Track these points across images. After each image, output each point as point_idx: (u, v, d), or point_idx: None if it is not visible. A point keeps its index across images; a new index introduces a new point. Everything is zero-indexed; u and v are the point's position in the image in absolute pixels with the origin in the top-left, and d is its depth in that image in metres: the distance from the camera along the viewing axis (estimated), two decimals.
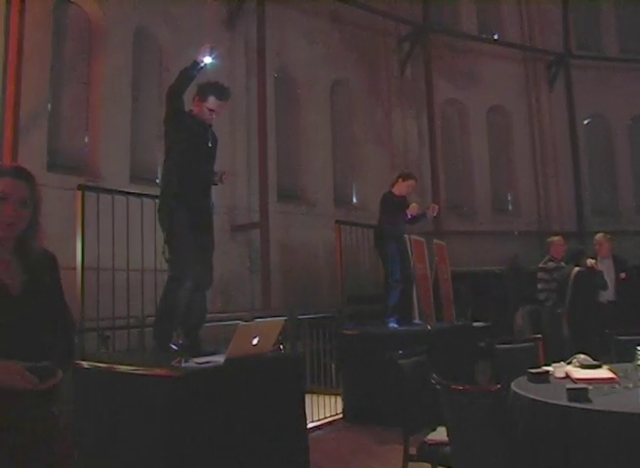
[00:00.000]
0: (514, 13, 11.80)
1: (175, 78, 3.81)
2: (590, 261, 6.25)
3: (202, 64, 3.75)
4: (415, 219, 6.17)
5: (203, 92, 3.86)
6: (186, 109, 3.86)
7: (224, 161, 5.67)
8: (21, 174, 1.83)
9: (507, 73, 11.44)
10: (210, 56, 3.77)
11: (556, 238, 6.75)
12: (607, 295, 6.43)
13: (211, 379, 3.14)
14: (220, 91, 3.90)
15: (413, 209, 5.97)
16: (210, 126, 3.93)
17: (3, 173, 1.82)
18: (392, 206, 6.07)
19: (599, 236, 6.72)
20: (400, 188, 6.15)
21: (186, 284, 3.64)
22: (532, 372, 2.95)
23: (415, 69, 10.58)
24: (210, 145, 3.91)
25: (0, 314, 1.73)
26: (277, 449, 3.39)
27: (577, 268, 6.25)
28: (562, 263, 6.47)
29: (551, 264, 6.50)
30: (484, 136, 11.32)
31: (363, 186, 9.87)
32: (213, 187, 3.95)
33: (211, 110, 3.85)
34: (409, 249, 6.55)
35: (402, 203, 6.13)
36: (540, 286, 6.52)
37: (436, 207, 6.48)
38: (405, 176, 6.23)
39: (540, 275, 6.55)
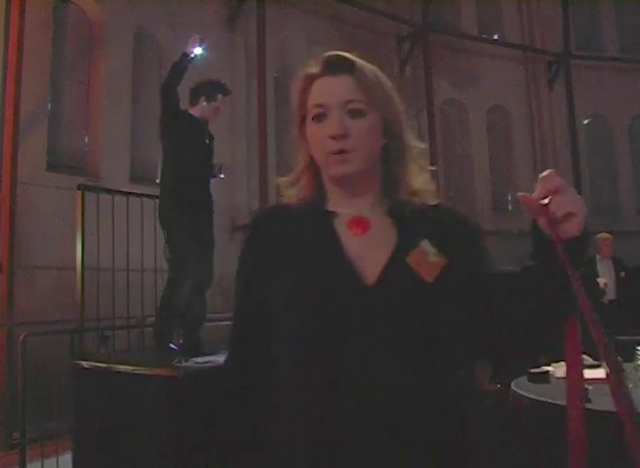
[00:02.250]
0: (514, 13, 11.80)
1: (167, 74, 3.81)
2: (602, 281, 6.23)
3: (192, 55, 3.76)
4: None
5: (211, 92, 3.85)
6: (183, 108, 3.87)
7: (224, 161, 5.67)
8: (342, 65, 1.15)
9: (507, 73, 11.44)
10: (200, 46, 3.77)
11: None
12: (608, 295, 6.43)
13: (211, 379, 3.14)
14: (224, 87, 3.92)
15: None
16: (206, 123, 3.94)
17: (316, 73, 1.16)
18: None
19: (600, 236, 6.71)
20: None
21: (186, 284, 3.64)
22: (532, 372, 2.95)
23: (415, 69, 10.58)
24: (207, 142, 3.92)
25: (345, 318, 1.00)
26: None
27: (580, 269, 6.25)
28: None
29: None
30: (484, 136, 11.32)
31: None
32: (213, 187, 3.96)
33: (217, 108, 3.87)
34: None
35: None
36: None
37: None
38: None
39: None
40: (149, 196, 4.37)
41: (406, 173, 1.13)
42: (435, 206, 1.12)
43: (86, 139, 7.23)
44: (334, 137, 1.06)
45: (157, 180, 4.05)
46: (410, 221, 1.09)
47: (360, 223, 1.09)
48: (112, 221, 4.23)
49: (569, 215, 0.94)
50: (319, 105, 1.09)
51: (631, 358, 3.03)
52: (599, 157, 12.02)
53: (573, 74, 11.53)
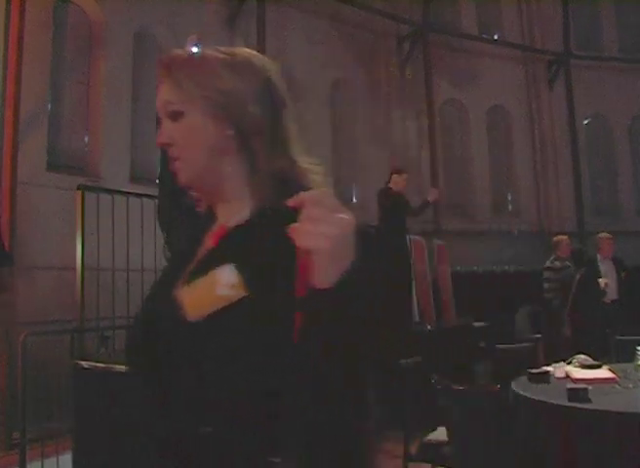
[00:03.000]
0: (514, 13, 11.80)
1: None
2: (603, 281, 6.23)
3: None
4: (420, 209, 6.41)
5: None
6: None
7: None
8: (163, 66, 0.99)
9: (507, 73, 11.44)
10: (196, 46, 3.80)
11: (563, 237, 6.72)
12: (610, 295, 6.43)
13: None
14: None
15: (433, 193, 6.53)
16: None
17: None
18: (387, 201, 6.11)
19: (601, 236, 6.70)
20: (396, 183, 6.18)
21: None
22: (532, 372, 2.95)
23: (415, 69, 10.58)
24: None
25: (163, 358, 0.89)
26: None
27: (582, 269, 6.25)
28: (567, 263, 6.47)
29: (557, 264, 6.48)
30: (484, 136, 11.32)
31: (363, 186, 9.86)
32: None
33: None
34: (408, 248, 6.55)
35: (399, 199, 6.15)
36: (546, 285, 6.49)
37: (436, 191, 6.77)
38: (397, 171, 6.29)
39: (546, 275, 6.52)
40: (149, 196, 4.36)
41: (268, 161, 0.93)
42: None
43: (86, 139, 7.23)
44: (160, 146, 0.98)
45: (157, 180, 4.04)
46: (244, 234, 0.90)
47: (216, 234, 0.96)
48: (112, 221, 4.23)
49: (313, 254, 0.69)
50: (157, 111, 1.00)
51: (631, 358, 3.03)
52: (599, 157, 12.02)
53: (573, 74, 11.53)
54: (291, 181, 0.91)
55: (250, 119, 0.94)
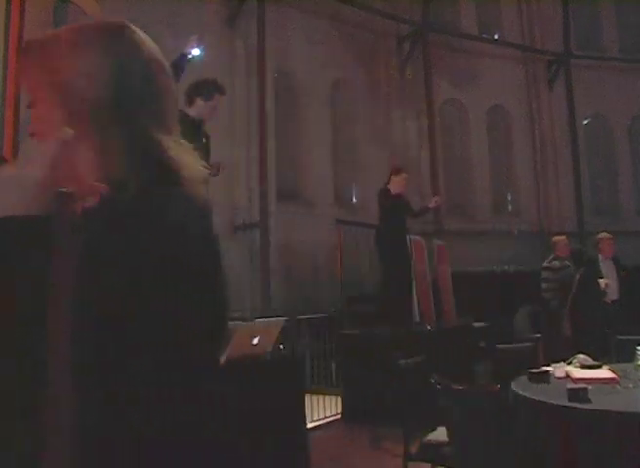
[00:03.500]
0: (514, 13, 11.81)
1: None
2: (603, 282, 6.23)
3: (190, 56, 3.80)
4: (420, 213, 6.42)
5: (208, 91, 3.86)
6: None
7: (224, 161, 5.67)
8: (26, 46, 0.88)
9: (507, 73, 11.45)
10: (197, 47, 3.82)
11: (561, 237, 6.73)
12: (611, 295, 6.43)
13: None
14: (220, 86, 3.93)
15: (435, 201, 6.66)
16: (202, 122, 3.94)
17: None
18: (387, 202, 6.11)
19: (602, 236, 6.70)
20: (395, 185, 6.18)
21: None
22: (532, 372, 2.95)
23: (415, 69, 10.59)
24: (204, 141, 3.93)
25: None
26: (277, 450, 3.39)
27: (582, 268, 6.25)
28: (566, 263, 6.47)
29: (556, 263, 6.48)
30: (484, 136, 11.32)
31: (363, 186, 9.87)
32: (213, 187, 3.96)
33: (213, 107, 3.88)
34: (408, 248, 6.56)
35: (399, 200, 6.16)
36: (545, 285, 6.50)
37: (438, 198, 6.83)
38: (396, 171, 6.29)
39: (545, 274, 6.52)
40: None
41: (124, 150, 0.83)
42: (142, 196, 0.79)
43: None
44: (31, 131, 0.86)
45: None
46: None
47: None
48: None
49: None
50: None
51: (631, 358, 3.03)
52: (599, 157, 12.03)
53: (573, 74, 11.54)
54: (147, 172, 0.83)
55: (101, 104, 0.82)
